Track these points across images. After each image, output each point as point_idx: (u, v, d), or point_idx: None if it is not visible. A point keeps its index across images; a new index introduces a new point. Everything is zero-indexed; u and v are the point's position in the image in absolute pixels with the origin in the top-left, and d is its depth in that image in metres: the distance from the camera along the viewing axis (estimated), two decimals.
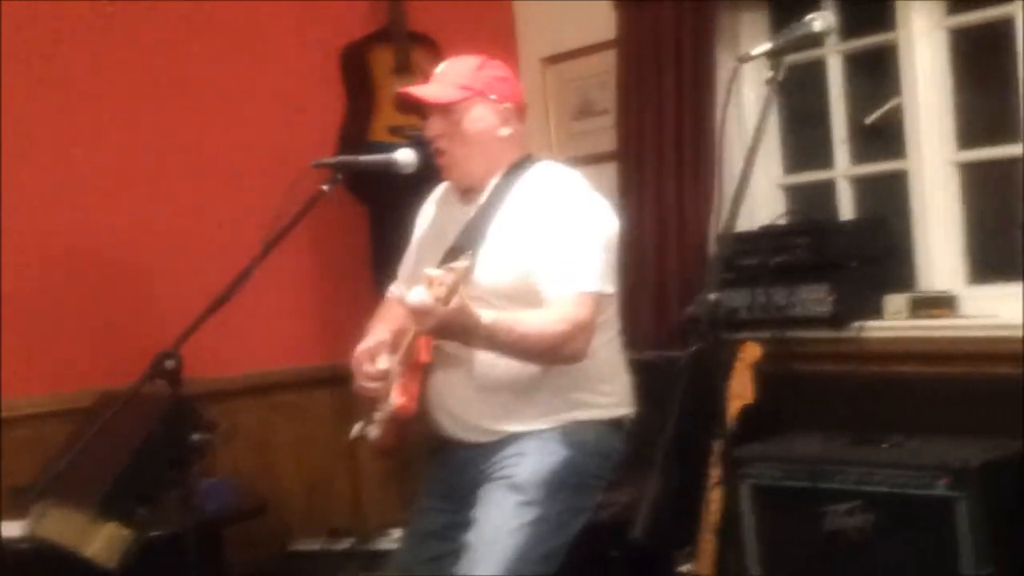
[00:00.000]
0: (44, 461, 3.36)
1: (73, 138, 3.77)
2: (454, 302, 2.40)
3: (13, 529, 3.12)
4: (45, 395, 3.61)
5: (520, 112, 2.87)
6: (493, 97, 2.80)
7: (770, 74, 2.30)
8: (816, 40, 2.37)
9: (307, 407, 4.06)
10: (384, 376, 2.77)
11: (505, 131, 2.82)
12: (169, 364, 2.60)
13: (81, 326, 3.72)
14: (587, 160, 4.16)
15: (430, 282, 2.41)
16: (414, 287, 2.46)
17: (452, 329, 2.52)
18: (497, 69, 2.85)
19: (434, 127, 2.80)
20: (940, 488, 2.78)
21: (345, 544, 3.63)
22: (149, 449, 2.95)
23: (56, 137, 3.74)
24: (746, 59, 2.40)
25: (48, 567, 2.94)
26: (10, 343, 3.58)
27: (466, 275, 2.44)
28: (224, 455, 3.83)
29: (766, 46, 2.31)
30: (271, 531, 3.81)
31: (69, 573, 2.94)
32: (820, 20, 2.30)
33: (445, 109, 2.78)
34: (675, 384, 3.18)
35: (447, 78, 2.82)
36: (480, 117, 2.79)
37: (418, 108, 2.84)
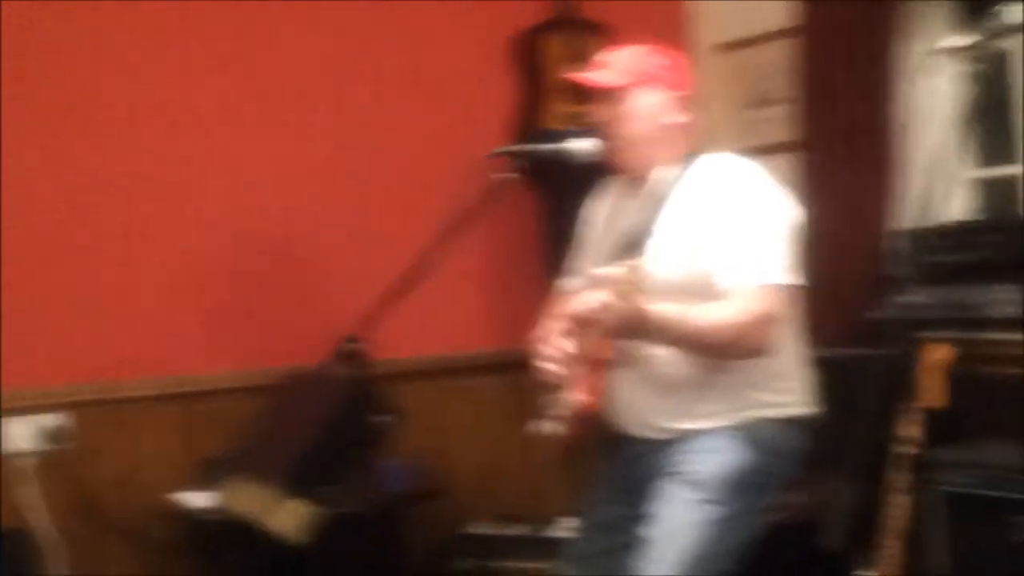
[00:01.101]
0: (232, 435, 3.48)
1: (261, 127, 3.87)
2: (626, 302, 2.39)
3: (203, 500, 3.24)
4: (236, 371, 3.73)
5: (689, 101, 2.84)
6: (662, 84, 2.77)
7: (961, 66, 2.21)
8: (1008, 31, 2.27)
9: (480, 392, 4.10)
10: (566, 358, 2.77)
11: (674, 118, 2.78)
12: (354, 347, 2.66)
13: (268, 306, 3.83)
14: (759, 150, 4.07)
15: (607, 282, 2.41)
16: (589, 289, 2.46)
17: (629, 328, 2.51)
18: (667, 56, 2.82)
19: (602, 113, 2.79)
20: None
21: (518, 530, 3.65)
22: (333, 429, 3.01)
23: (248, 126, 3.85)
24: (936, 51, 2.32)
25: (234, 538, 3.03)
26: (201, 321, 3.72)
27: (639, 274, 2.43)
28: (403, 437, 3.88)
29: (957, 38, 2.23)
30: (445, 513, 3.87)
31: (254, 545, 3.02)
32: (1016, 12, 2.21)
33: (613, 95, 2.76)
34: (868, 386, 3.12)
35: (616, 65, 2.80)
36: (648, 104, 2.76)
37: (588, 95, 2.83)
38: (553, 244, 3.79)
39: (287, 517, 2.89)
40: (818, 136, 3.85)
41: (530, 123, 4.15)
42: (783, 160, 3.95)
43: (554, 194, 4.03)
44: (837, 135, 3.78)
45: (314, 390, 2.72)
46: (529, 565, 3.51)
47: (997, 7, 2.23)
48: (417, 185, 3.98)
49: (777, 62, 4.06)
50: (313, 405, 2.92)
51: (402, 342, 3.88)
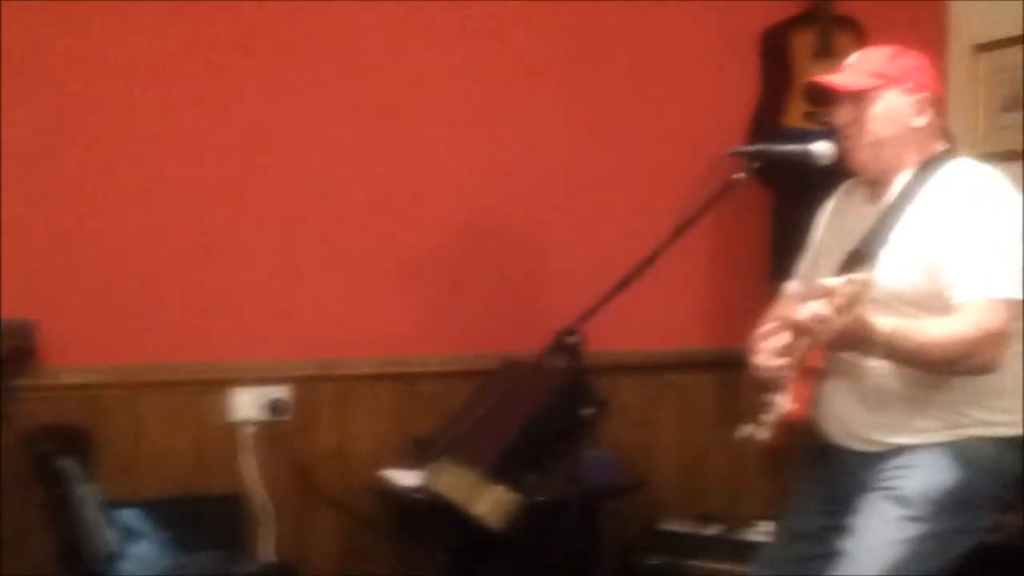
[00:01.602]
0: (444, 417, 3.57)
1: (492, 117, 3.93)
2: (852, 314, 2.35)
3: (410, 479, 3.34)
4: (450, 355, 3.81)
5: (937, 103, 2.76)
6: (908, 85, 2.71)
7: None
8: None
9: (692, 389, 4.09)
10: (780, 362, 2.74)
11: (919, 121, 2.71)
12: (571, 339, 2.69)
13: (486, 294, 3.90)
14: (1012, 156, 3.95)
15: (828, 294, 2.37)
16: (811, 300, 2.43)
17: (848, 341, 2.47)
18: (913, 58, 2.75)
19: (843, 115, 2.74)
20: None
21: (714, 530, 3.63)
22: (543, 419, 3.07)
23: (479, 116, 3.91)
24: None
25: (438, 519, 3.12)
26: (422, 304, 3.81)
27: (866, 288, 2.38)
28: (606, 429, 3.92)
29: None
30: (644, 508, 3.88)
31: (456, 528, 3.10)
32: None
33: (855, 97, 2.71)
34: None
35: (859, 67, 2.75)
36: (892, 105, 2.70)
37: (829, 97, 2.79)
38: (781, 245, 3.74)
39: (491, 502, 2.96)
40: None
41: (773, 121, 4.09)
42: None
43: (787, 195, 3.97)
44: None
45: (529, 380, 2.77)
46: (722, 566, 3.48)
47: None
48: (649, 181, 3.98)
49: None
50: (527, 395, 2.98)
51: (617, 334, 3.90)
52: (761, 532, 3.55)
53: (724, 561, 3.52)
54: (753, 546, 3.34)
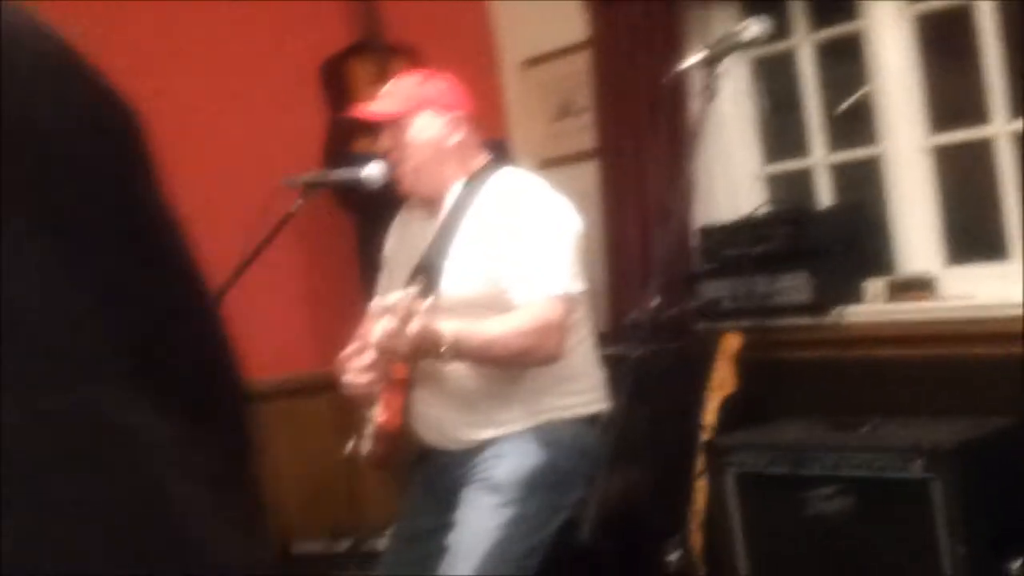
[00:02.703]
0: None
1: None
2: (412, 327, 2.47)
3: None
4: None
5: (470, 120, 2.93)
6: (438, 107, 2.87)
7: (703, 85, 2.34)
8: (754, 44, 2.41)
9: (303, 413, 4.14)
10: (366, 380, 2.84)
11: (454, 139, 2.88)
12: None
13: None
14: (569, 159, 4.23)
15: (389, 311, 2.49)
16: (381, 315, 2.54)
17: (420, 350, 2.60)
18: (440, 80, 2.92)
19: (385, 142, 2.89)
20: (915, 470, 2.82)
21: (345, 544, 3.70)
22: None
23: None
24: (680, 70, 2.45)
25: None
26: None
27: (418, 298, 2.52)
28: None
29: (698, 56, 2.36)
30: (274, 535, 3.88)
31: None
32: (751, 28, 2.35)
33: (393, 123, 2.86)
34: (671, 379, 3.25)
35: (392, 94, 2.90)
36: (426, 127, 2.86)
37: (374, 127, 2.92)
38: (369, 265, 3.85)
39: None
40: (615, 142, 3.98)
41: (342, 148, 4.18)
42: (591, 168, 4.08)
43: (366, 217, 4.08)
44: (631, 140, 3.91)
45: None
46: None
47: (740, 24, 2.35)
48: (217, 213, 3.91)
49: (580, 73, 4.19)
50: None
51: None
52: (387, 540, 3.65)
53: (355, 572, 3.59)
54: (380, 555, 3.43)
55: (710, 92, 2.32)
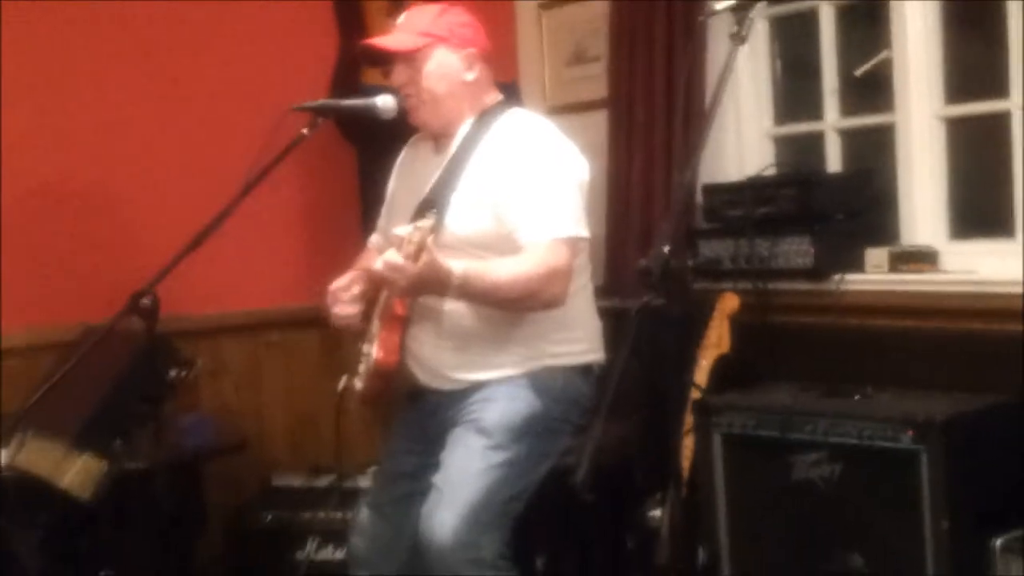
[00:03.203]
0: (25, 393, 3.41)
1: (59, 79, 3.78)
2: (422, 260, 2.44)
3: None
4: (29, 328, 3.64)
5: (485, 57, 2.89)
6: (455, 43, 2.82)
7: (735, 29, 2.29)
8: None
9: (294, 346, 4.12)
10: (357, 299, 2.82)
11: (469, 76, 2.84)
12: (145, 302, 2.65)
13: (71, 261, 3.76)
14: (580, 107, 4.18)
15: (399, 243, 2.46)
16: (385, 251, 2.51)
17: (425, 286, 2.57)
18: (459, 15, 2.88)
19: (399, 76, 2.84)
20: (904, 440, 2.80)
21: (325, 481, 3.69)
22: (124, 384, 3.00)
23: (42, 79, 3.75)
24: (711, 14, 2.40)
25: (27, 496, 3.00)
26: (6, 276, 3.63)
27: (431, 232, 2.48)
28: (210, 391, 3.91)
29: (730, 1, 2.30)
30: (254, 467, 3.89)
31: (47, 503, 3.00)
32: None
33: (408, 57, 2.82)
34: (666, 334, 3.22)
35: (408, 27, 2.85)
36: (442, 62, 2.82)
37: (386, 59, 2.87)
38: (369, 199, 3.81)
39: (77, 473, 2.88)
40: (627, 92, 3.93)
41: (352, 79, 4.12)
42: (600, 117, 4.03)
43: (370, 151, 4.04)
44: (644, 92, 3.86)
45: (106, 345, 2.70)
46: (335, 515, 3.55)
47: None
48: (233, 137, 3.88)
49: (596, 19, 4.13)
50: (104, 360, 2.90)
51: (215, 296, 3.90)
52: (370, 478, 3.64)
53: (337, 510, 3.58)
54: (363, 492, 3.41)
55: (741, 38, 2.27)
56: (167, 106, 3.95)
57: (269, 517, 3.61)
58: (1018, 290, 3.04)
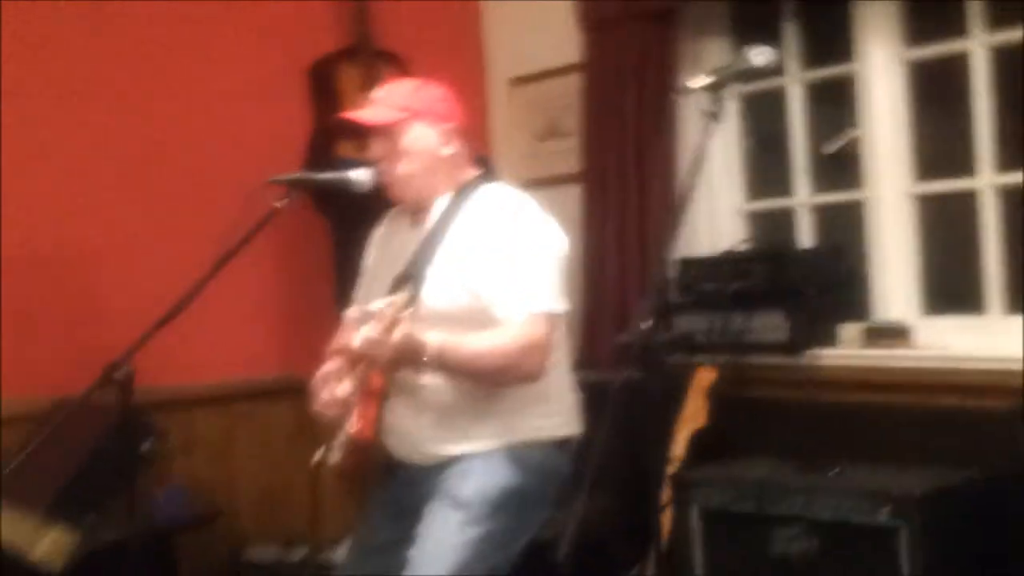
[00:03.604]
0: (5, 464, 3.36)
1: (27, 144, 3.75)
2: (396, 335, 2.44)
3: None
4: (10, 399, 3.57)
5: (462, 132, 2.90)
6: (432, 118, 2.84)
7: (709, 108, 2.32)
8: (757, 75, 2.40)
9: (267, 417, 4.09)
10: (342, 403, 2.80)
11: (446, 151, 2.85)
12: (119, 374, 2.62)
13: (40, 332, 3.72)
14: (552, 181, 4.21)
15: (373, 317, 2.46)
16: (363, 323, 2.50)
17: (400, 360, 2.56)
18: (435, 90, 2.89)
19: (376, 149, 2.85)
20: (882, 516, 2.81)
21: (299, 554, 3.64)
22: (98, 456, 2.97)
23: (11, 148, 3.73)
24: (685, 92, 2.43)
25: None
26: None
27: (405, 307, 2.49)
28: (182, 463, 3.86)
29: (706, 79, 2.34)
30: (227, 539, 3.84)
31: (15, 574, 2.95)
32: (761, 55, 2.33)
33: (385, 131, 2.82)
34: (641, 409, 3.21)
35: (386, 101, 2.86)
36: (419, 137, 2.83)
37: (363, 132, 2.88)
38: (343, 272, 3.81)
39: (48, 545, 2.83)
40: (600, 167, 3.97)
41: (326, 152, 4.15)
42: (573, 191, 4.06)
43: (344, 223, 4.05)
44: (617, 167, 3.90)
45: (79, 417, 2.67)
46: None
47: (750, 50, 2.33)
48: (208, 209, 3.90)
49: (569, 95, 4.17)
50: (78, 432, 2.88)
51: (187, 367, 3.87)
52: (344, 552, 3.60)
53: None
54: (336, 566, 3.37)
55: (715, 117, 2.30)
56: (141, 176, 3.95)
57: None
58: (989, 366, 3.08)
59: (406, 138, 2.82)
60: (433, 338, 2.57)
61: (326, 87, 4.24)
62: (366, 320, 2.52)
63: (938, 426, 3.14)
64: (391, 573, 2.78)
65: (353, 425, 2.80)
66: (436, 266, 2.79)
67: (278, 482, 4.04)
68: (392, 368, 2.69)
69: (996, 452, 2.90)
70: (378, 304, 2.50)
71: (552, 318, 2.75)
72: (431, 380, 2.74)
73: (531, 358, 2.69)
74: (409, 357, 2.57)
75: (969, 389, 3.12)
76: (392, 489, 2.95)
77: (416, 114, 2.83)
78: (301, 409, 2.90)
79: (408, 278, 2.78)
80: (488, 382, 2.74)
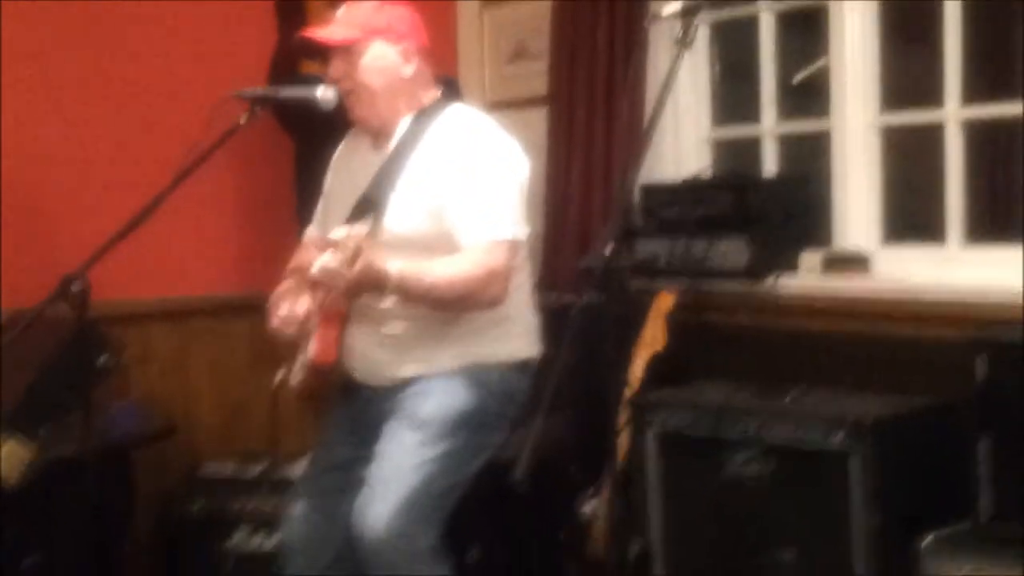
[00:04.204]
0: None
1: None
2: (358, 265, 2.43)
3: None
4: None
5: (424, 52, 2.87)
6: (394, 37, 2.81)
7: (680, 35, 2.30)
8: (728, 2, 2.37)
9: (225, 334, 4.07)
10: (300, 322, 2.79)
11: (407, 69, 2.82)
12: (75, 287, 2.61)
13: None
14: (519, 104, 4.18)
15: (334, 247, 2.45)
16: (324, 249, 2.49)
17: (362, 288, 2.56)
18: (397, 9, 2.87)
19: (337, 69, 2.82)
20: (835, 442, 2.83)
21: (256, 470, 3.65)
22: (53, 369, 2.95)
23: None
24: (656, 18, 2.41)
25: None
26: None
27: (367, 237, 2.48)
28: (139, 378, 3.85)
29: (675, 6, 2.32)
30: (184, 455, 3.84)
31: None
32: None
33: (346, 50, 2.80)
34: (601, 332, 3.22)
35: (347, 20, 2.84)
36: (380, 56, 2.80)
37: (324, 51, 2.85)
38: (304, 190, 3.78)
39: (4, 459, 2.82)
40: (568, 90, 3.93)
41: (290, 68, 4.08)
42: (540, 114, 4.03)
43: (307, 142, 4.00)
44: (585, 91, 3.86)
45: (34, 331, 2.65)
46: (265, 504, 3.50)
47: None
48: (168, 124, 3.86)
49: (538, 18, 4.12)
50: (32, 346, 2.84)
51: (143, 282, 3.84)
52: (302, 468, 3.61)
53: (267, 499, 3.54)
54: (293, 483, 3.38)
55: (686, 43, 2.28)
56: (101, 91, 3.89)
57: (197, 506, 3.55)
58: (947, 296, 3.10)
59: (366, 57, 2.80)
60: (394, 266, 2.58)
61: (293, 7, 4.15)
62: (326, 248, 2.51)
63: (895, 355, 3.16)
64: (348, 490, 2.81)
65: (314, 348, 2.81)
66: (397, 191, 2.78)
67: (236, 399, 4.04)
68: (351, 295, 2.69)
69: (951, 382, 2.92)
70: (339, 233, 2.49)
71: (513, 245, 2.76)
72: (391, 305, 2.75)
73: (492, 286, 2.70)
74: (370, 285, 2.57)
75: (927, 319, 3.14)
76: (351, 408, 2.96)
77: (376, 32, 2.80)
78: (260, 327, 2.91)
79: (369, 203, 2.77)
80: (448, 309, 2.75)
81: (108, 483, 3.11)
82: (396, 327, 2.79)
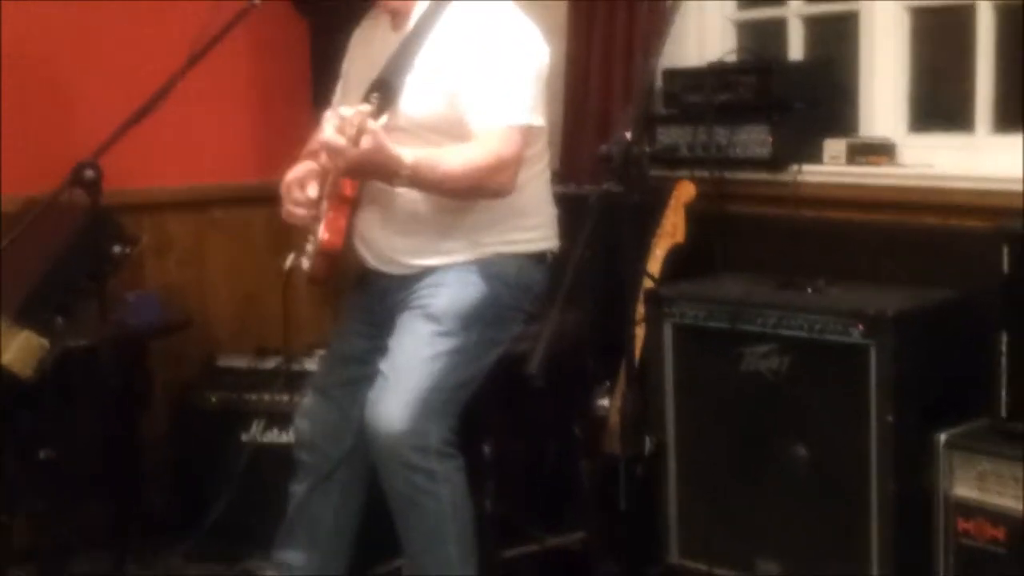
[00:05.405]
0: None
1: None
2: (363, 143, 2.39)
3: None
4: None
5: None
6: None
7: None
8: None
9: (241, 223, 4.04)
10: (311, 204, 2.76)
11: None
12: (88, 173, 2.58)
13: (13, 133, 3.60)
14: None
15: (340, 123, 2.41)
16: (326, 125, 2.46)
17: (368, 169, 2.53)
18: None
19: None
20: (854, 335, 2.80)
21: (272, 362, 3.65)
22: (67, 259, 2.92)
23: None
24: None
25: None
26: None
27: (372, 116, 2.43)
28: (155, 268, 3.83)
29: None
30: (199, 346, 3.84)
31: None
32: None
33: None
34: (621, 221, 3.17)
35: None
36: None
37: None
38: (320, 75, 3.72)
39: (16, 350, 2.81)
40: None
41: None
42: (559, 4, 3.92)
43: (323, 25, 3.93)
44: None
45: (48, 219, 2.62)
46: (280, 397, 3.51)
47: None
48: (169, 8, 3.77)
49: None
50: (46, 234, 2.83)
51: (162, 171, 3.81)
52: (317, 361, 3.61)
53: (282, 392, 3.55)
54: (309, 375, 3.38)
55: None
56: None
57: (214, 398, 3.56)
58: (974, 185, 3.03)
59: None
60: (408, 154, 2.54)
61: None
62: (336, 124, 2.47)
63: (919, 245, 3.11)
64: (364, 383, 2.81)
65: (323, 233, 2.78)
66: (413, 74, 2.72)
67: (252, 290, 4.02)
68: (358, 176, 2.66)
69: (975, 273, 2.87)
70: (346, 111, 2.44)
71: (527, 132, 2.71)
72: (403, 191, 2.71)
73: (501, 174, 2.66)
74: (380, 169, 2.54)
75: (952, 209, 3.07)
76: (365, 298, 2.95)
77: None
78: (277, 216, 2.87)
79: (383, 84, 2.70)
80: (459, 197, 2.73)
81: (124, 374, 3.12)
82: (409, 213, 2.76)
